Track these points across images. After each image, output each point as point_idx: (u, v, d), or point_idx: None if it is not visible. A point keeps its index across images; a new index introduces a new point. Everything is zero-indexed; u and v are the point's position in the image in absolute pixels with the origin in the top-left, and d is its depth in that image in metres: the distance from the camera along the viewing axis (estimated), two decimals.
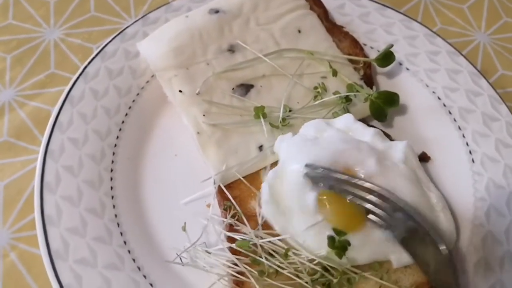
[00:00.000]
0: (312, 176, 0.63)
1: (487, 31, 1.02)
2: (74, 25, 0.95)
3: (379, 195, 0.61)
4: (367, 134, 0.70)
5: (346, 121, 0.72)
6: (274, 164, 0.72)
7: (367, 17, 0.92)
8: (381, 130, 0.76)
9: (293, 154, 0.67)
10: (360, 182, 0.61)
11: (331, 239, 0.59)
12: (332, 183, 0.62)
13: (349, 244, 0.60)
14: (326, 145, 0.66)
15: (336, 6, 0.93)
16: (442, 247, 0.57)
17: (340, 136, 0.68)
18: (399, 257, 0.63)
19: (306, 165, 0.63)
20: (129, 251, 0.67)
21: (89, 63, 0.80)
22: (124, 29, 0.85)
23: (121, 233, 0.68)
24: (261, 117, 0.74)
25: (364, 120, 0.80)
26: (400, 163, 0.66)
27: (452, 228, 0.66)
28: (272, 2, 0.88)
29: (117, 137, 0.76)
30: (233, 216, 0.67)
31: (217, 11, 0.84)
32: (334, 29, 0.90)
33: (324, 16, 0.91)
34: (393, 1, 1.04)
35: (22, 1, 0.99)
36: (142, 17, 0.87)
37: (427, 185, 0.67)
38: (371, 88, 0.83)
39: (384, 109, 0.79)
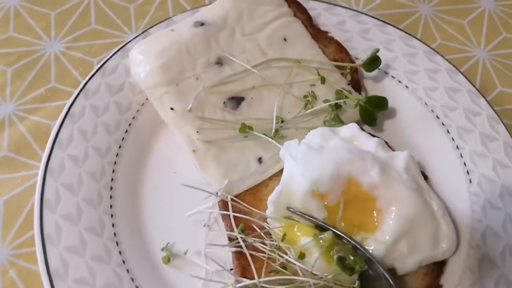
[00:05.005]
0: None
1: (486, 47, 1.03)
2: (75, 38, 0.96)
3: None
4: (371, 144, 0.71)
5: (351, 130, 0.74)
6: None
7: (367, 33, 0.93)
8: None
9: (297, 167, 0.68)
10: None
11: (339, 260, 0.61)
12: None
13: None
14: (331, 154, 0.68)
15: (336, 23, 0.93)
16: None
17: (344, 146, 0.70)
18: (402, 265, 0.65)
19: (287, 208, 0.66)
20: (127, 270, 0.67)
21: (90, 79, 0.80)
22: (125, 44, 0.85)
23: (120, 252, 0.68)
24: (251, 132, 0.74)
25: None
26: (403, 172, 0.68)
27: (453, 233, 0.68)
28: (256, 11, 0.88)
29: (117, 154, 0.76)
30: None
31: (202, 24, 0.84)
32: (318, 35, 0.91)
33: (308, 22, 0.92)
34: (394, 16, 1.05)
35: (23, 13, 0.99)
36: (143, 32, 0.87)
37: (428, 193, 0.69)
38: (359, 92, 0.85)
39: (373, 114, 0.81)
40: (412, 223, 0.64)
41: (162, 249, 0.69)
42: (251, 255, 0.65)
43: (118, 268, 0.66)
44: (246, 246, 0.65)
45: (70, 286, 0.63)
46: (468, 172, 0.79)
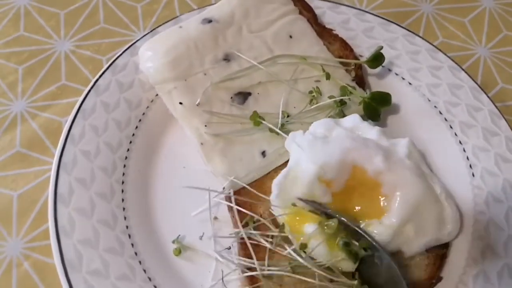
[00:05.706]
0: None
1: (487, 45, 1.04)
2: (84, 37, 0.97)
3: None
4: (373, 133, 0.74)
5: (353, 120, 0.77)
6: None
7: (371, 32, 0.95)
8: None
9: (305, 153, 0.70)
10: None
11: (345, 245, 0.63)
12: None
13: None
14: (336, 143, 0.70)
15: (341, 21, 0.95)
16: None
17: (348, 135, 0.72)
18: (409, 248, 0.68)
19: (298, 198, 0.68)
20: (140, 262, 0.69)
21: (100, 76, 0.82)
22: (134, 42, 0.87)
23: (132, 244, 0.70)
24: (263, 122, 0.77)
25: None
26: (405, 158, 0.70)
27: (456, 215, 0.71)
28: (263, 9, 0.90)
29: (128, 149, 0.78)
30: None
31: (210, 21, 0.86)
32: (323, 32, 0.93)
33: (314, 20, 0.93)
34: (396, 14, 1.06)
35: (33, 12, 1.01)
36: (151, 31, 0.89)
37: (431, 177, 0.72)
38: (363, 89, 0.87)
39: (377, 109, 0.83)
40: (417, 206, 0.67)
41: (173, 242, 0.71)
42: (257, 245, 0.66)
43: (131, 260, 0.68)
44: (249, 237, 0.67)
45: (85, 277, 0.65)
46: (471, 166, 0.81)
